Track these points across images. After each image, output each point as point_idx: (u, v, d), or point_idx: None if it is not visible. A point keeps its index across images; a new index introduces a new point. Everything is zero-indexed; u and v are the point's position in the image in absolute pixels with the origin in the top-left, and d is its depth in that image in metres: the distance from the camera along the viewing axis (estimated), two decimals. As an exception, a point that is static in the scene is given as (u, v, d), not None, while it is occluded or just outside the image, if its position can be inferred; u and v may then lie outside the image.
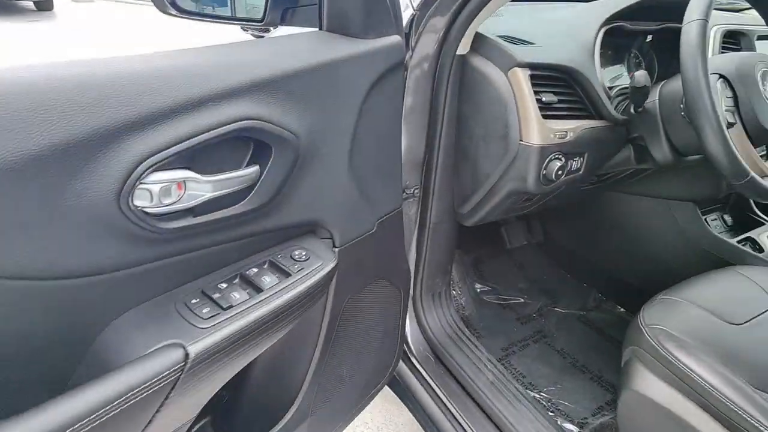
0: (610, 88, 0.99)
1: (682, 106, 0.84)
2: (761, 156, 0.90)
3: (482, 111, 0.90)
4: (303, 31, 0.70)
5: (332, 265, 0.65)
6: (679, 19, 1.04)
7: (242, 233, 0.57)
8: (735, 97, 0.79)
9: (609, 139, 0.95)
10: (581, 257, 1.58)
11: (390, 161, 0.81)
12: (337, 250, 0.72)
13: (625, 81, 1.08)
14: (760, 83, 0.80)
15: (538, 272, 1.62)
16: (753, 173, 0.76)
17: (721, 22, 1.11)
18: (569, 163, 0.89)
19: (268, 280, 0.56)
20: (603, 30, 0.93)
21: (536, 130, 0.83)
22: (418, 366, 1.14)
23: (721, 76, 0.80)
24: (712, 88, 0.76)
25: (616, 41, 1.03)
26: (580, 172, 0.94)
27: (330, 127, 0.62)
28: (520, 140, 0.85)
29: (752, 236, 1.23)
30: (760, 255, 1.17)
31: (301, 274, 0.59)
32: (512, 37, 0.89)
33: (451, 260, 1.22)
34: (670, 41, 1.08)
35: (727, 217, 1.34)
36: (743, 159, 0.78)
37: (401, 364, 1.15)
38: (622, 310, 1.49)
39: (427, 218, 1.09)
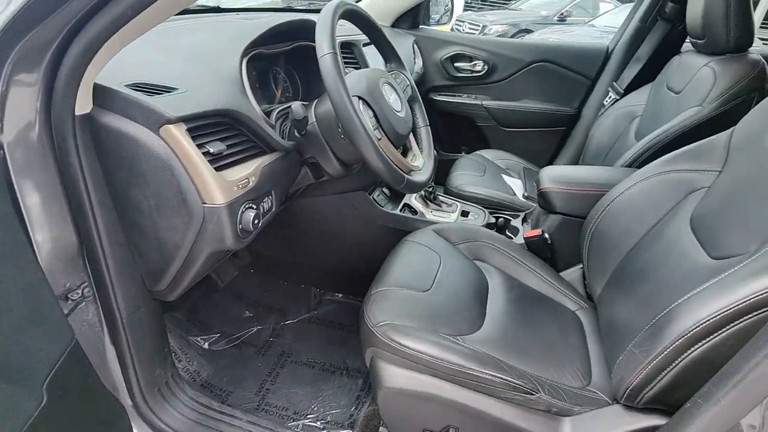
0: (268, 113, 0.98)
1: (340, 130, 0.92)
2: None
3: (144, 179, 0.73)
4: None
5: None
6: (305, 37, 1.11)
7: None
8: (375, 115, 0.92)
9: (287, 168, 0.95)
10: (290, 262, 1.62)
11: (23, 296, 0.55)
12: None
13: (278, 102, 1.10)
14: (385, 95, 0.95)
15: (258, 293, 1.58)
16: (407, 176, 0.91)
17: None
18: (261, 206, 0.85)
19: None
20: (245, 61, 0.89)
21: (216, 188, 0.74)
22: (173, 481, 0.94)
23: (360, 97, 0.91)
24: (359, 111, 0.85)
25: (257, 66, 1.02)
26: (273, 209, 0.91)
27: None
28: (204, 203, 0.74)
29: (407, 202, 1.54)
30: (416, 216, 1.48)
31: None
32: (149, 84, 0.74)
33: (165, 340, 1.02)
34: (302, 57, 1.15)
35: (385, 190, 1.62)
36: (396, 165, 0.93)
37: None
38: (339, 295, 1.63)
39: (115, 314, 0.85)
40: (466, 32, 9.40)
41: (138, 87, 0.72)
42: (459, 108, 2.17)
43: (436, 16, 2.38)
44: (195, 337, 1.34)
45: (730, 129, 1.00)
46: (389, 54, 1.13)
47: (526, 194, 1.71)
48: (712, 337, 0.66)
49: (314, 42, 0.93)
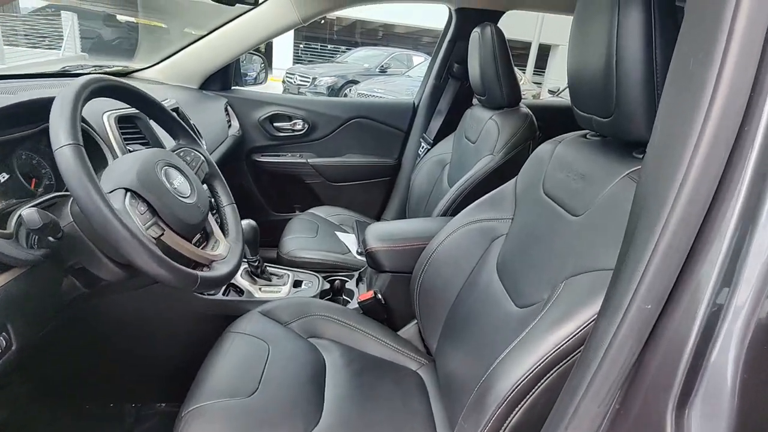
0: (4, 217, 0.75)
1: None
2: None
3: None
4: None
5: None
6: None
7: None
8: (151, 207, 0.77)
9: (36, 286, 0.73)
10: (91, 379, 1.30)
11: None
12: None
13: (39, 194, 0.87)
14: (165, 182, 0.81)
15: (50, 427, 1.22)
16: (201, 273, 0.77)
17: (110, 108, 1.07)
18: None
19: None
20: None
21: None
22: None
23: (128, 190, 0.75)
24: (123, 209, 0.70)
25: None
26: (14, 347, 0.68)
27: None
28: None
29: (232, 282, 1.38)
30: (243, 297, 1.32)
31: None
32: None
33: None
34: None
35: (207, 269, 1.44)
36: (190, 257, 0.79)
37: None
38: (162, 405, 1.36)
39: None
40: (297, 83, 9.67)
41: None
42: (285, 167, 2.11)
43: (253, 74, 2.32)
44: None
45: (515, 178, 1.10)
46: (175, 129, 0.99)
47: (359, 250, 1.70)
48: (526, 398, 0.66)
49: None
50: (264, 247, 1.75)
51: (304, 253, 1.56)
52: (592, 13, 0.75)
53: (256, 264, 1.37)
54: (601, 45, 0.73)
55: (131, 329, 1.25)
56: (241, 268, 1.42)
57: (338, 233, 1.84)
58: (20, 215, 0.67)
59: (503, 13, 1.84)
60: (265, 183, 2.14)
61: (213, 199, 1.02)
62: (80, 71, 1.65)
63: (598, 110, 0.78)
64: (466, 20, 1.86)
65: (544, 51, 14.50)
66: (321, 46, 16.05)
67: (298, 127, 2.08)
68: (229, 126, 1.90)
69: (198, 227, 0.86)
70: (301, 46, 15.65)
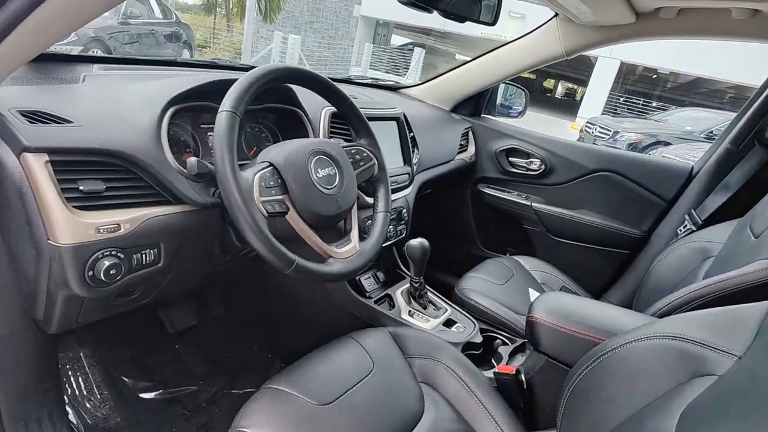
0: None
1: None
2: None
3: (7, 201, 0.72)
4: None
5: None
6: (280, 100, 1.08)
7: None
8: (284, 184, 0.82)
9: (195, 225, 0.88)
10: (261, 326, 1.52)
11: None
12: None
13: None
14: (309, 168, 0.85)
15: (221, 351, 1.50)
16: (298, 260, 0.78)
17: (330, 106, 1.19)
18: (133, 258, 0.78)
19: None
20: (170, 111, 0.86)
21: (64, 226, 0.69)
22: None
23: (271, 164, 0.82)
24: (251, 178, 0.77)
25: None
26: (160, 264, 0.83)
27: None
28: (48, 239, 0.70)
29: (389, 293, 1.36)
30: (389, 312, 1.29)
31: None
32: (45, 114, 0.74)
33: (48, 374, 0.97)
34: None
35: (380, 274, 1.47)
36: (309, 243, 0.80)
37: None
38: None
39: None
40: (595, 135, 9.00)
41: (30, 114, 0.72)
42: (507, 205, 1.96)
43: (519, 108, 2.26)
44: (127, 378, 1.28)
45: (771, 300, 0.68)
46: (358, 127, 1.03)
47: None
48: None
49: (287, 105, 0.86)
50: (454, 275, 1.68)
51: (478, 297, 1.40)
52: None
53: (417, 286, 1.31)
54: None
55: (296, 303, 1.39)
56: (403, 287, 1.38)
57: (532, 291, 1.58)
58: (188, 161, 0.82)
59: None
60: (483, 216, 2.04)
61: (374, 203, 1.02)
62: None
63: None
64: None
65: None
66: (644, 101, 14.45)
67: (534, 166, 1.89)
68: (462, 150, 1.90)
69: (329, 219, 0.87)
70: (621, 99, 14.48)
